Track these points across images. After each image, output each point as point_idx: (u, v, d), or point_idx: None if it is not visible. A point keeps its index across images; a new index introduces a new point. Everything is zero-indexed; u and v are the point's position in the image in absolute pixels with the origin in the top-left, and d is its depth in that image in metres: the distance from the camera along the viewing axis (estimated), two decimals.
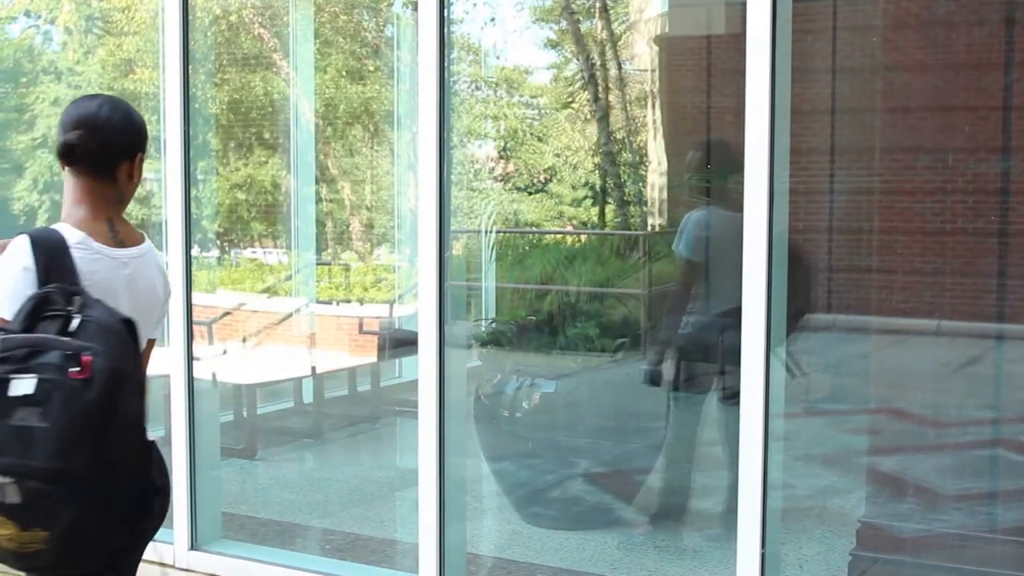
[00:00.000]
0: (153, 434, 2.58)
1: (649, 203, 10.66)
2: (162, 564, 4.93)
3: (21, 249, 2.50)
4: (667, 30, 9.77)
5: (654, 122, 10.43)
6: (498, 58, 11.74)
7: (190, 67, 4.76)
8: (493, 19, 10.27)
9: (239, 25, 8.36)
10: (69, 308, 2.40)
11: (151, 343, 2.77)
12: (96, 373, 2.29)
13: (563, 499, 5.79)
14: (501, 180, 12.84)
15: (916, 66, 6.93)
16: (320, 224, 9.37)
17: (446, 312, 4.19)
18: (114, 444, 2.34)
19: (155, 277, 2.74)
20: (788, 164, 3.57)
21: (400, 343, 7.80)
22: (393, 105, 8.14)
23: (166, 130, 4.74)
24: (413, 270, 5.52)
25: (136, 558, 2.67)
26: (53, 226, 2.59)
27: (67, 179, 2.66)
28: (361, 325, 8.33)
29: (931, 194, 7.04)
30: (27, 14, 7.28)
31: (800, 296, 5.04)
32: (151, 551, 4.97)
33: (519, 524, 5.64)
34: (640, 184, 10.96)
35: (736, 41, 3.64)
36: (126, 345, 2.43)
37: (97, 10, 7.57)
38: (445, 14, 4.11)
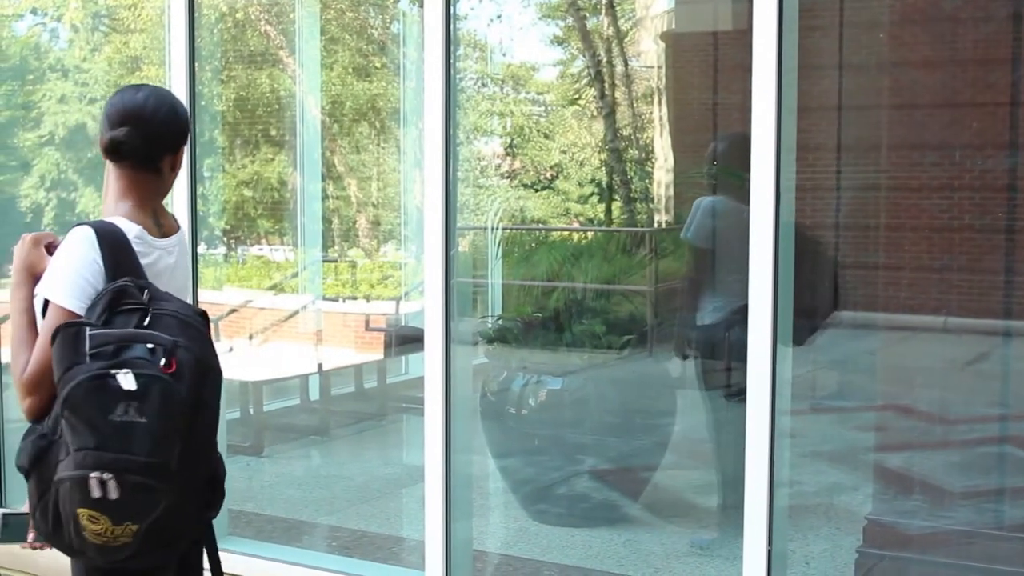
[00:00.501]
0: None
1: (655, 200, 10.65)
2: None
3: (88, 244, 2.49)
4: (673, 26, 9.75)
5: (660, 118, 10.42)
6: (504, 55, 11.73)
7: (196, 64, 4.77)
8: (499, 16, 10.26)
9: (245, 22, 8.36)
10: (144, 302, 2.42)
11: None
12: (183, 366, 2.31)
13: (569, 496, 5.79)
14: (507, 177, 12.83)
15: (923, 62, 6.92)
16: (326, 221, 9.38)
17: (452, 309, 4.19)
18: (199, 436, 2.37)
19: (187, 262, 2.80)
20: (794, 160, 3.57)
21: (406, 340, 7.80)
22: (399, 102, 8.14)
23: None
24: (419, 267, 5.52)
25: (200, 550, 2.65)
26: (107, 219, 2.57)
27: (111, 171, 2.65)
28: (367, 322, 8.34)
29: (938, 190, 7.03)
30: (34, 11, 7.29)
31: (826, 293, 5.05)
32: None
33: (525, 521, 5.64)
34: (647, 181, 10.95)
35: (742, 37, 3.63)
36: (204, 337, 2.45)
37: (103, 7, 7.57)
38: (451, 11, 4.11)
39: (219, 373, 2.47)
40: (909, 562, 4.71)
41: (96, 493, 2.24)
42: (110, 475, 2.24)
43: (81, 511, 2.28)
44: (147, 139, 2.60)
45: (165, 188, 2.72)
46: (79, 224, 2.54)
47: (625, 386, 6.18)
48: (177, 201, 4.72)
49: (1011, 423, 5.51)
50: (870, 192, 7.14)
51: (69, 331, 2.34)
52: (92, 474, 2.23)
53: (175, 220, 2.78)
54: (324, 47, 8.54)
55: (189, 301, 2.68)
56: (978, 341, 6.36)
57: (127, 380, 2.25)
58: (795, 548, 4.85)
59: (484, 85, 11.93)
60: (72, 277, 2.47)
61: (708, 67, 8.60)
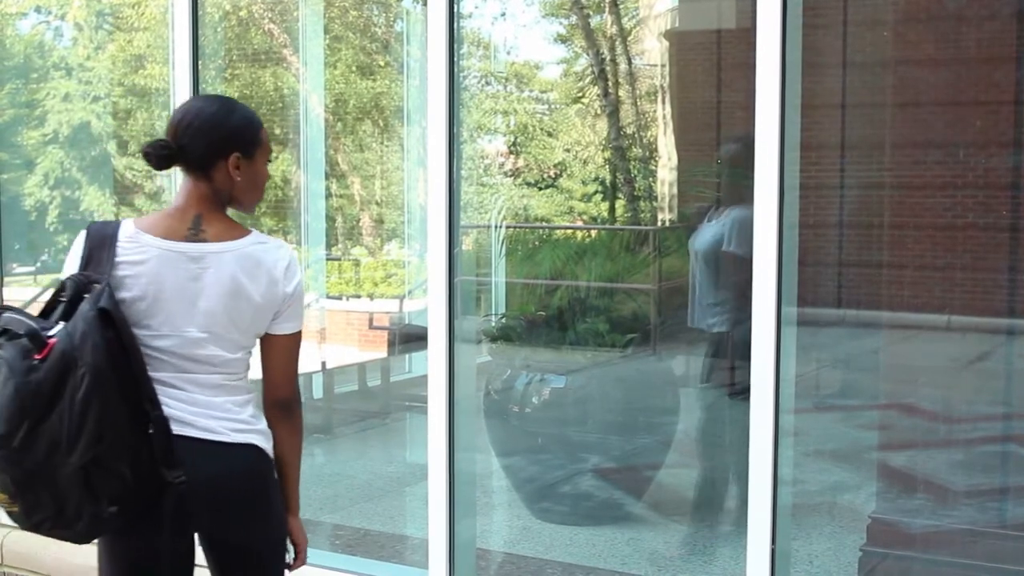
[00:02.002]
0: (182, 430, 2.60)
1: (659, 198, 10.65)
2: None
3: (79, 240, 2.68)
4: (677, 25, 9.75)
5: (664, 117, 10.41)
6: (508, 53, 11.73)
7: (200, 63, 4.77)
8: (503, 14, 10.27)
9: (249, 21, 8.36)
10: (84, 295, 2.51)
11: (279, 339, 2.75)
12: (49, 356, 2.42)
13: (573, 494, 5.80)
14: (511, 175, 12.83)
15: (927, 60, 6.91)
16: (330, 219, 9.37)
17: (456, 307, 4.19)
18: (57, 422, 2.41)
19: (245, 272, 2.66)
20: (798, 159, 3.56)
21: (410, 338, 7.81)
22: (403, 100, 8.14)
23: None
24: (423, 265, 5.53)
25: (168, 548, 2.67)
26: (121, 220, 2.69)
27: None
28: (371, 320, 8.35)
29: (942, 189, 7.02)
30: (37, 10, 7.29)
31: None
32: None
33: (529, 519, 5.64)
34: (650, 179, 10.95)
35: (746, 36, 3.63)
36: (88, 334, 2.45)
37: (107, 6, 7.57)
38: (455, 9, 4.11)
39: (93, 373, 2.43)
40: (912, 561, 4.71)
41: None
42: None
43: None
44: (180, 148, 2.66)
45: (225, 195, 2.71)
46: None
47: (628, 384, 6.18)
48: None
49: (1014, 422, 5.51)
50: (874, 190, 7.14)
51: None
52: None
53: (240, 232, 2.71)
54: (328, 45, 8.54)
55: (246, 309, 2.67)
56: (981, 340, 6.36)
57: None
58: (799, 547, 4.85)
59: (488, 83, 11.94)
60: (65, 265, 2.67)
61: (712, 65, 8.60)
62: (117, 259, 2.59)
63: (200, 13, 4.77)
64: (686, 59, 9.37)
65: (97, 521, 2.52)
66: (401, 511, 5.85)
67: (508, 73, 12.68)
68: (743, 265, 5.19)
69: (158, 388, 2.59)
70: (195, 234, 2.65)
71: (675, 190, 9.81)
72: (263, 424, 2.76)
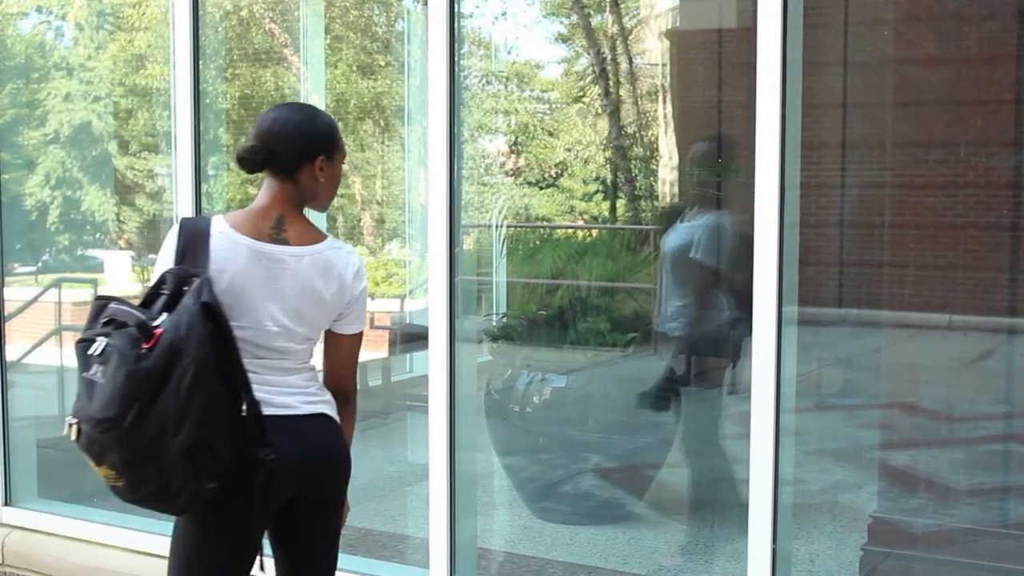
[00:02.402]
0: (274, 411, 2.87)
1: (660, 197, 10.64)
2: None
3: (172, 233, 2.87)
4: (678, 24, 9.75)
5: (665, 116, 10.41)
6: (509, 53, 11.72)
7: (201, 62, 4.77)
8: (504, 13, 10.26)
9: (250, 20, 8.35)
10: (183, 288, 2.72)
11: (345, 339, 3.08)
12: (158, 345, 2.61)
13: (574, 494, 5.80)
14: (512, 175, 12.82)
15: (928, 60, 6.90)
16: (331, 219, 9.36)
17: (457, 307, 4.20)
18: (165, 407, 2.60)
19: (321, 277, 2.93)
20: (799, 158, 3.56)
21: (411, 338, 7.80)
22: (404, 100, 8.13)
23: (177, 126, 4.75)
24: (424, 265, 5.53)
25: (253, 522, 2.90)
26: (211, 215, 2.91)
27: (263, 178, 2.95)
28: (372, 320, 8.34)
29: (943, 188, 7.02)
30: (38, 9, 7.29)
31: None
32: (158, 545, 4.99)
33: (530, 519, 5.64)
34: (651, 178, 10.94)
35: (747, 35, 3.63)
36: (192, 327, 2.64)
37: (108, 5, 7.56)
38: (456, 9, 4.11)
39: (198, 363, 2.63)
40: (914, 560, 4.71)
41: (69, 435, 2.73)
42: (75, 420, 2.71)
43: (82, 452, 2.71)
44: (273, 152, 2.89)
45: (309, 197, 2.97)
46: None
47: (629, 384, 6.18)
48: (181, 199, 4.73)
49: (1016, 421, 5.50)
50: (874, 189, 7.14)
51: (97, 303, 2.77)
52: (68, 418, 2.72)
53: (318, 237, 2.97)
54: (328, 45, 8.53)
55: (317, 310, 2.95)
56: (983, 339, 6.35)
57: (97, 347, 2.68)
58: (799, 546, 4.85)
59: (488, 83, 11.93)
60: (158, 258, 2.88)
61: (712, 65, 8.59)
62: (211, 254, 2.80)
63: (201, 13, 4.77)
64: (687, 58, 9.36)
65: (196, 496, 2.72)
66: (402, 511, 5.85)
67: (509, 72, 12.67)
68: (707, 273, 5.21)
69: None
70: (277, 235, 2.89)
71: (676, 189, 9.81)
72: (328, 395, 3.07)
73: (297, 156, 2.90)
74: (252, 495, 2.80)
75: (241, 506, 2.82)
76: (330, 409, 3.05)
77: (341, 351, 3.11)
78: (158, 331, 2.63)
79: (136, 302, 2.78)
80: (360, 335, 3.14)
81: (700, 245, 5.08)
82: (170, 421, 2.61)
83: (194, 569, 2.93)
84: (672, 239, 5.28)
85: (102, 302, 2.76)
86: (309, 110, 3.03)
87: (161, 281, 2.75)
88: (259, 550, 2.96)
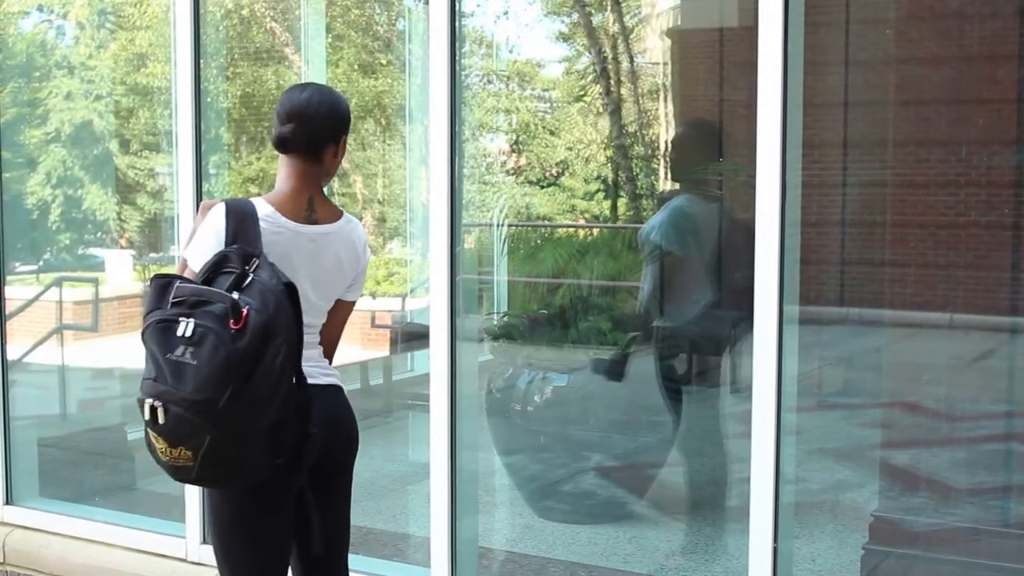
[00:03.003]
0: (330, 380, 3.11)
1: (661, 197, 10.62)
2: (174, 558, 4.95)
3: (217, 214, 2.91)
4: (679, 23, 9.74)
5: (666, 115, 10.40)
6: (510, 51, 11.70)
7: (202, 61, 4.77)
8: (505, 12, 10.25)
9: (251, 19, 8.35)
10: (245, 268, 2.79)
11: (347, 304, 3.22)
12: (248, 325, 2.65)
13: (575, 493, 5.79)
14: (513, 174, 12.81)
15: (930, 58, 6.90)
16: None
17: (458, 306, 4.19)
18: (257, 387, 2.67)
19: (344, 251, 3.08)
20: (800, 157, 3.56)
21: (412, 337, 7.80)
22: (405, 99, 8.13)
23: (178, 125, 4.75)
24: (425, 264, 5.52)
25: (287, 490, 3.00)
26: (251, 199, 2.97)
27: (281, 159, 3.04)
28: (373, 319, 8.34)
29: (944, 187, 7.01)
30: (40, 9, 7.29)
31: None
32: (161, 544, 4.99)
33: (531, 518, 5.64)
34: (652, 177, 10.93)
35: (748, 34, 3.63)
36: (281, 306, 2.74)
37: (109, 4, 7.56)
38: (457, 7, 4.11)
39: (288, 341, 2.74)
40: (915, 559, 4.70)
41: (146, 416, 2.66)
42: (159, 403, 2.64)
43: (149, 431, 2.70)
44: (310, 135, 3.00)
45: (327, 173, 3.09)
46: (220, 200, 2.97)
47: (631, 383, 6.17)
48: (183, 198, 4.73)
49: (1017, 420, 5.50)
50: (876, 188, 7.13)
51: (160, 281, 2.77)
52: (146, 400, 2.65)
53: (339, 213, 3.11)
54: (329, 44, 8.53)
55: (337, 283, 3.11)
56: (984, 338, 6.35)
57: (185, 327, 2.66)
58: (800, 545, 4.85)
59: (489, 82, 11.92)
60: (198, 239, 2.92)
61: (714, 63, 8.58)
62: (261, 236, 2.89)
63: (202, 12, 4.77)
64: (688, 57, 9.35)
65: (266, 472, 2.81)
66: (403, 510, 5.85)
67: (510, 71, 12.66)
68: (670, 259, 5.23)
69: None
70: (310, 215, 3.01)
71: (677, 188, 9.79)
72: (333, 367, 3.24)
73: (328, 137, 3.03)
74: (300, 467, 2.92)
75: (288, 479, 2.93)
76: (339, 380, 3.21)
77: (340, 316, 3.23)
78: (245, 310, 2.67)
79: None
80: (355, 302, 3.27)
81: (660, 227, 5.10)
82: (260, 400, 2.68)
83: (254, 545, 3.00)
84: (644, 226, 5.34)
85: (164, 280, 2.78)
86: (333, 92, 3.12)
87: (223, 259, 2.80)
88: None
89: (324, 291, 3.08)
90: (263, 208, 2.94)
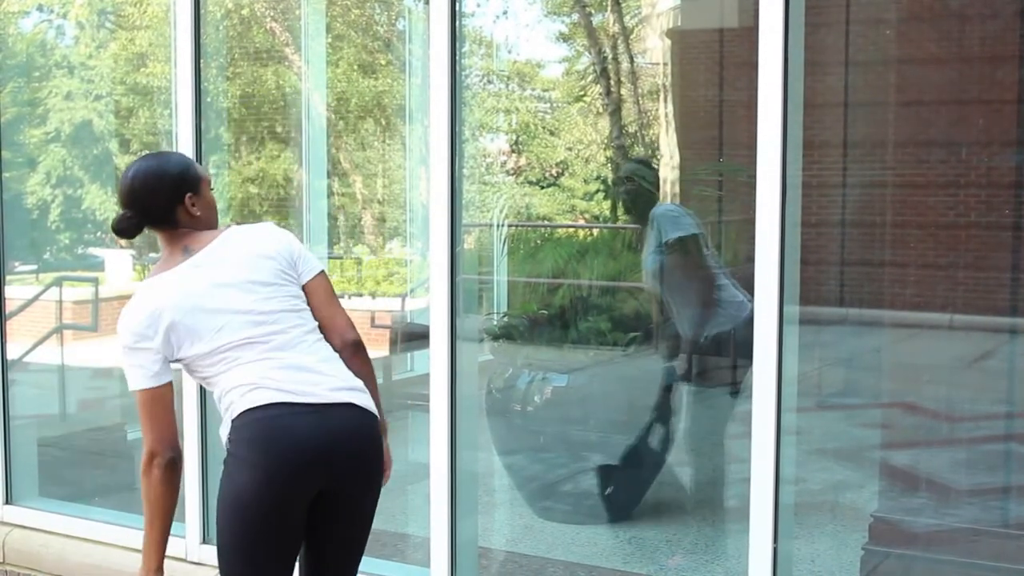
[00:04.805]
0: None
1: (662, 197, 10.63)
2: (173, 558, 4.94)
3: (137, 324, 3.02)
4: (679, 23, 9.74)
5: (666, 115, 10.40)
6: (510, 52, 11.70)
7: (202, 61, 4.77)
8: (505, 12, 10.25)
9: (251, 19, 8.35)
10: None
11: (315, 283, 3.08)
12: None
13: (575, 493, 5.79)
14: (513, 174, 12.81)
15: (930, 59, 6.90)
16: (332, 218, 9.36)
17: (458, 306, 4.19)
18: None
19: (237, 246, 3.00)
20: (801, 157, 3.56)
21: (412, 337, 7.79)
22: (405, 99, 8.13)
23: (178, 124, 4.75)
24: (425, 264, 5.52)
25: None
26: (137, 292, 3.01)
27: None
28: (373, 319, 8.33)
29: (944, 188, 7.01)
30: (40, 8, 7.29)
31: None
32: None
33: (531, 518, 5.64)
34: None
35: (749, 34, 3.63)
36: None
37: (109, 4, 7.56)
38: (457, 8, 4.10)
39: None
40: (914, 560, 4.70)
41: None
42: None
43: None
44: (144, 213, 2.98)
45: (200, 219, 3.02)
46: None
47: (631, 383, 6.17)
48: None
49: (1017, 420, 5.50)
50: (876, 189, 7.14)
51: None
52: None
53: (213, 234, 3.02)
54: (330, 44, 8.53)
55: (292, 256, 3.05)
56: (984, 338, 6.35)
57: None
58: (800, 546, 4.85)
59: (489, 82, 11.92)
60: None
61: (714, 64, 8.58)
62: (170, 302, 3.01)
63: (202, 11, 4.77)
64: (688, 58, 9.36)
65: None
66: (403, 510, 5.84)
67: (510, 71, 12.66)
68: (646, 272, 5.33)
69: None
70: (189, 256, 2.98)
71: (677, 189, 9.80)
72: None
73: (167, 204, 2.97)
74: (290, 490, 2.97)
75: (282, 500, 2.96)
76: (360, 399, 3.08)
77: (318, 296, 3.11)
78: None
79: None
80: (319, 272, 3.12)
81: (664, 230, 5.23)
82: None
83: (254, 562, 3.01)
84: (645, 255, 5.51)
85: None
86: (159, 158, 3.08)
87: None
88: None
89: (256, 287, 2.96)
90: (150, 288, 2.96)
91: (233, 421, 2.91)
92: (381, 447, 3.08)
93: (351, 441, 2.95)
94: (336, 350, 3.05)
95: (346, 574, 3.17)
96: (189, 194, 2.98)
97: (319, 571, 3.11)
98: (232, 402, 2.92)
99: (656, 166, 7.01)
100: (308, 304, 3.05)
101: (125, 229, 2.97)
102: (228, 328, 2.90)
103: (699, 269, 5.40)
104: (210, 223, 3.06)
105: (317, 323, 3.06)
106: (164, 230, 2.99)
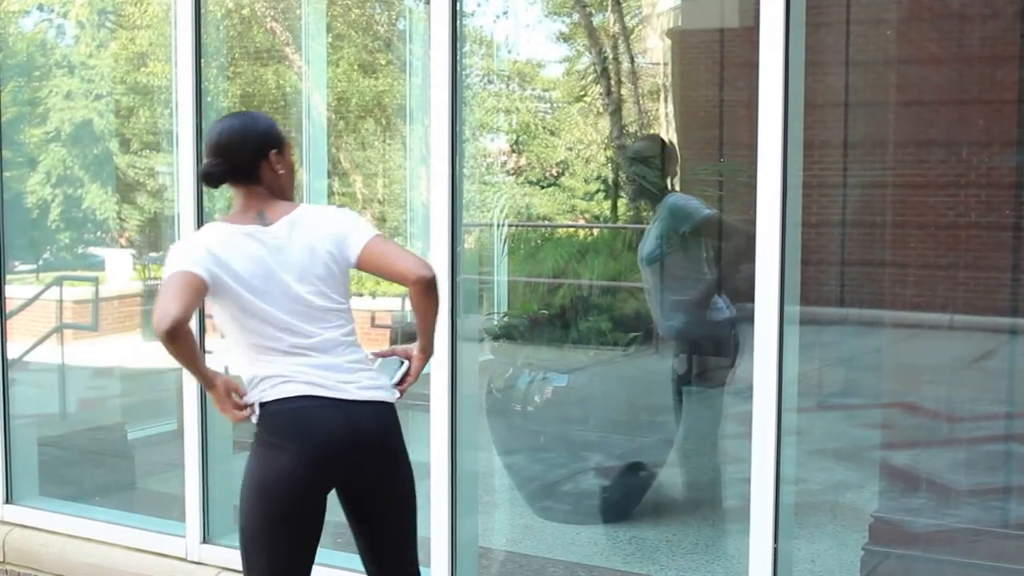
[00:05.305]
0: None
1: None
2: (174, 557, 4.94)
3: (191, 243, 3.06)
4: (680, 23, 9.74)
5: (667, 115, 10.40)
6: (510, 51, 11.70)
7: (202, 61, 4.77)
8: (505, 12, 10.25)
9: (251, 19, 8.35)
10: None
11: (369, 249, 3.10)
12: None
13: (575, 493, 5.79)
14: (513, 174, 12.80)
15: (930, 59, 6.91)
16: None
17: (458, 306, 4.19)
18: None
19: (312, 228, 3.07)
20: (801, 158, 3.56)
21: (412, 337, 7.77)
22: (405, 99, 8.13)
23: (178, 124, 4.75)
24: None
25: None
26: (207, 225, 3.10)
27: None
28: (373, 319, 8.33)
29: (944, 188, 7.02)
30: (40, 8, 7.29)
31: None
32: (161, 543, 5.00)
33: (531, 518, 5.63)
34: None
35: (749, 34, 3.63)
36: None
37: (110, 4, 7.56)
38: (457, 7, 4.10)
39: None
40: (915, 560, 4.70)
41: None
42: None
43: None
44: (231, 161, 3.07)
45: (278, 187, 3.14)
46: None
47: (631, 383, 6.17)
48: (183, 197, 4.73)
49: (1017, 421, 5.50)
50: (876, 189, 7.14)
51: None
52: None
53: (290, 208, 3.12)
54: (330, 44, 8.53)
55: (320, 261, 3.07)
56: (984, 338, 6.35)
57: None
58: (800, 546, 4.84)
59: (490, 82, 11.91)
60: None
61: (715, 64, 8.58)
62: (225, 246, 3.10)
63: (203, 11, 4.77)
64: (689, 58, 9.36)
65: None
66: None
67: (510, 71, 12.65)
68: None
69: None
70: (264, 222, 3.07)
71: (677, 188, 9.80)
72: None
73: (252, 157, 3.07)
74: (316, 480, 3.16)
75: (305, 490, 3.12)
76: (384, 394, 3.22)
77: (380, 260, 3.13)
78: None
79: None
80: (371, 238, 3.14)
81: (680, 220, 5.36)
82: None
83: (270, 550, 3.12)
84: (644, 245, 5.56)
85: None
86: (248, 114, 3.22)
87: None
88: None
89: (312, 278, 3.05)
90: (216, 225, 3.07)
91: (263, 406, 3.03)
92: (401, 434, 3.24)
93: (373, 433, 3.10)
94: (414, 304, 3.15)
95: (404, 545, 3.31)
96: (274, 151, 3.10)
97: (380, 553, 3.29)
98: (263, 391, 3.04)
99: (668, 144, 6.97)
100: (371, 268, 3.12)
101: (212, 174, 3.06)
102: (276, 307, 3.00)
103: (704, 268, 5.44)
104: (287, 187, 3.17)
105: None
106: (245, 186, 3.09)
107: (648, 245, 5.47)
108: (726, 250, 5.31)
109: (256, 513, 3.03)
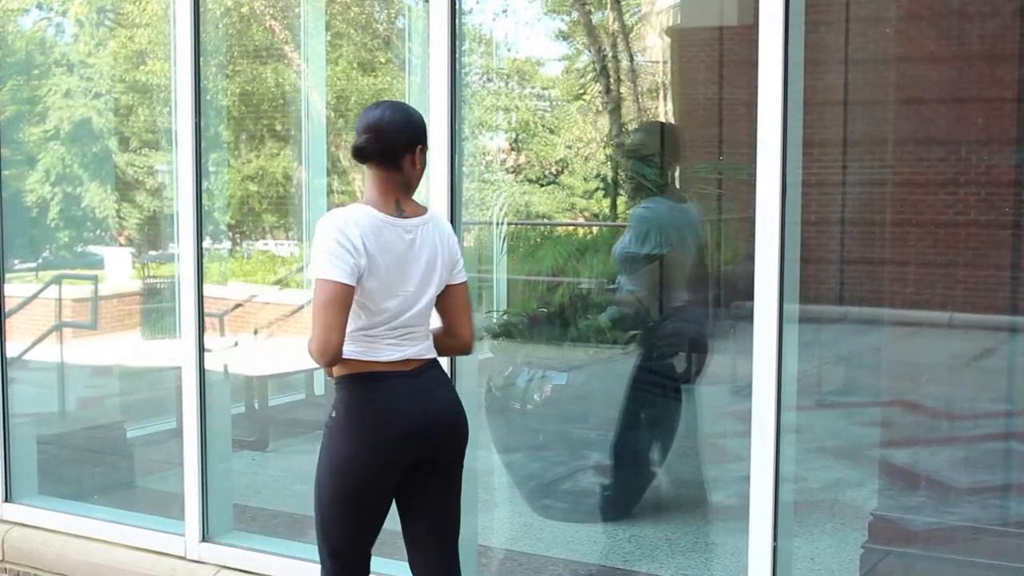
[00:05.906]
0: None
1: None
2: (173, 556, 4.94)
3: (347, 228, 3.13)
4: (679, 21, 9.74)
5: (666, 114, 10.40)
6: (509, 50, 11.69)
7: (201, 59, 4.76)
8: (505, 10, 10.24)
9: (250, 17, 8.34)
10: None
11: (459, 287, 3.37)
12: None
13: (574, 491, 5.79)
14: (512, 172, 12.80)
15: (929, 57, 6.90)
16: None
17: None
18: None
19: (437, 238, 3.28)
20: (801, 156, 3.56)
21: None
22: (405, 97, 8.12)
23: (177, 122, 4.75)
24: None
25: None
26: (351, 206, 3.20)
27: (366, 171, 3.24)
28: None
29: (944, 186, 7.02)
30: (39, 6, 7.28)
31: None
32: (160, 542, 5.00)
33: (530, 516, 5.63)
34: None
35: (748, 32, 3.63)
36: None
37: (109, 2, 7.56)
38: (457, 5, 4.10)
39: None
40: (914, 558, 4.70)
41: None
42: None
43: None
44: (385, 145, 3.18)
45: (410, 182, 3.26)
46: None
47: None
48: (182, 196, 4.72)
49: (1016, 419, 5.50)
50: (876, 187, 7.14)
51: None
52: None
53: (424, 208, 3.31)
54: (329, 42, 8.53)
55: (455, 264, 3.36)
56: (984, 337, 6.35)
57: None
58: (800, 544, 4.85)
59: (489, 80, 11.91)
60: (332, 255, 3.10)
61: (714, 62, 8.58)
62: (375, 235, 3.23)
63: (202, 9, 4.77)
64: (688, 56, 9.36)
65: None
66: None
67: (510, 70, 12.65)
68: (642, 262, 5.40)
69: None
70: (401, 213, 3.22)
71: (677, 187, 9.79)
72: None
73: (404, 146, 3.19)
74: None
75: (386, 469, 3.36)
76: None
77: (458, 299, 3.41)
78: None
79: None
80: (466, 282, 3.45)
81: (634, 237, 5.39)
82: None
83: (349, 518, 3.38)
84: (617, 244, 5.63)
85: None
86: (405, 106, 3.32)
87: None
88: None
89: (426, 281, 3.24)
90: (365, 209, 3.15)
91: (348, 388, 3.21)
92: (468, 426, 3.45)
93: (448, 419, 3.35)
94: (444, 346, 3.42)
95: (449, 534, 3.63)
96: (421, 146, 3.24)
97: (422, 540, 3.61)
98: (354, 368, 3.20)
99: (669, 130, 6.97)
100: (446, 304, 3.37)
101: (365, 149, 3.17)
102: (402, 301, 3.18)
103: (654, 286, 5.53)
104: (417, 183, 3.30)
105: (442, 321, 3.41)
106: (386, 171, 3.20)
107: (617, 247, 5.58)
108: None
109: (332, 494, 3.28)
